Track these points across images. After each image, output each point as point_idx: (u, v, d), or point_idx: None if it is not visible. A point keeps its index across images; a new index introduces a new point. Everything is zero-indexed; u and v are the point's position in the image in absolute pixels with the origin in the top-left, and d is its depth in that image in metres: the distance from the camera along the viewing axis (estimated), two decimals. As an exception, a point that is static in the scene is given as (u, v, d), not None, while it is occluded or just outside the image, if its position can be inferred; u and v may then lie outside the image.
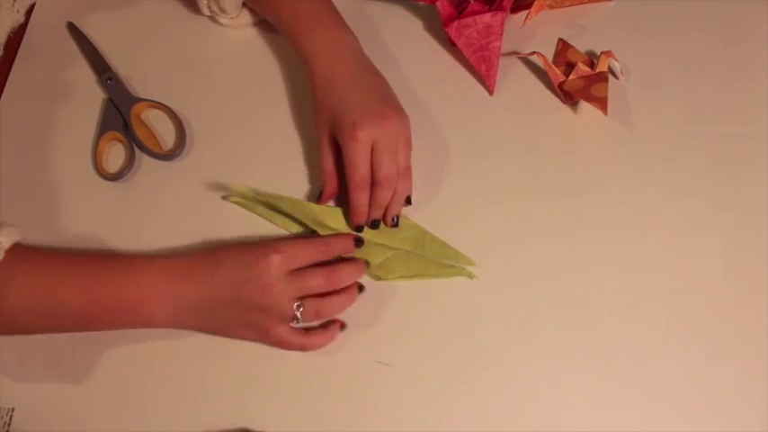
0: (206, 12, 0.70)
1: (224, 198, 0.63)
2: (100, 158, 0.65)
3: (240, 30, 0.71)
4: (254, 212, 0.62)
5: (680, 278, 0.59)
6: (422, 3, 0.70)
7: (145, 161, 0.66)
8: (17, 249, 0.54)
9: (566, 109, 0.66)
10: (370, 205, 0.60)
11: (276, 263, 0.54)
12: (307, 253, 0.56)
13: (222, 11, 0.69)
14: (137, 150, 0.66)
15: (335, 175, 0.61)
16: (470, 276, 0.59)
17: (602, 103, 0.63)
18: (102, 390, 0.57)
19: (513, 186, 0.63)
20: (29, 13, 0.73)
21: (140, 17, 0.73)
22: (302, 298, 0.55)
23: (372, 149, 0.58)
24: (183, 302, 0.55)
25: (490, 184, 0.63)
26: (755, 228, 0.60)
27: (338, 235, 0.60)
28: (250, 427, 0.55)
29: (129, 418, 0.56)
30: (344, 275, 0.58)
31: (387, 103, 0.60)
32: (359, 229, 0.60)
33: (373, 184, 0.59)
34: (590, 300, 0.58)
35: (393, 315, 0.58)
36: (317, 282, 0.56)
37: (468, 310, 0.58)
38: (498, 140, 0.65)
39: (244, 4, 0.69)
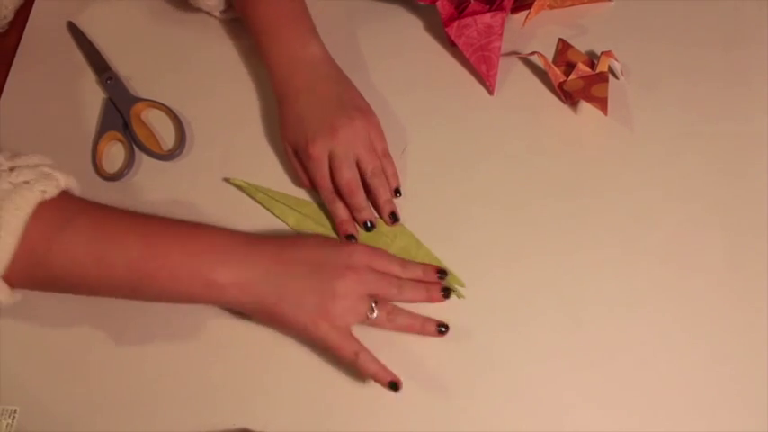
0: (197, 5, 0.70)
1: (225, 180, 0.64)
2: (100, 158, 0.65)
3: (241, 30, 0.71)
4: (254, 197, 0.63)
5: (680, 278, 0.59)
6: (422, 3, 0.70)
7: (145, 161, 0.66)
8: (74, 195, 0.52)
9: (566, 109, 0.66)
10: (352, 209, 0.61)
11: (360, 252, 0.55)
12: (387, 260, 0.57)
13: (207, 5, 0.69)
14: (137, 150, 0.66)
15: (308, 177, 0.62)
16: (459, 296, 0.59)
17: (602, 104, 0.63)
18: (102, 390, 0.57)
19: (513, 186, 0.63)
20: (24, 11, 0.73)
21: (140, 17, 0.73)
22: (377, 300, 0.55)
23: (330, 161, 0.60)
24: (254, 268, 0.52)
25: (490, 184, 0.63)
26: (755, 228, 0.60)
27: (424, 264, 0.59)
28: (250, 427, 0.55)
29: (130, 417, 0.56)
30: (415, 291, 0.57)
31: (340, 111, 0.60)
32: (352, 237, 0.60)
33: (339, 194, 0.60)
34: (590, 299, 0.58)
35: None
36: (390, 285, 0.55)
37: (468, 310, 0.58)
38: (498, 140, 0.65)
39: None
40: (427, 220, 0.62)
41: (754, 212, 0.61)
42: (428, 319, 0.57)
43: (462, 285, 0.59)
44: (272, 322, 0.55)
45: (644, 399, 0.55)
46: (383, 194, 0.61)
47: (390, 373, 0.54)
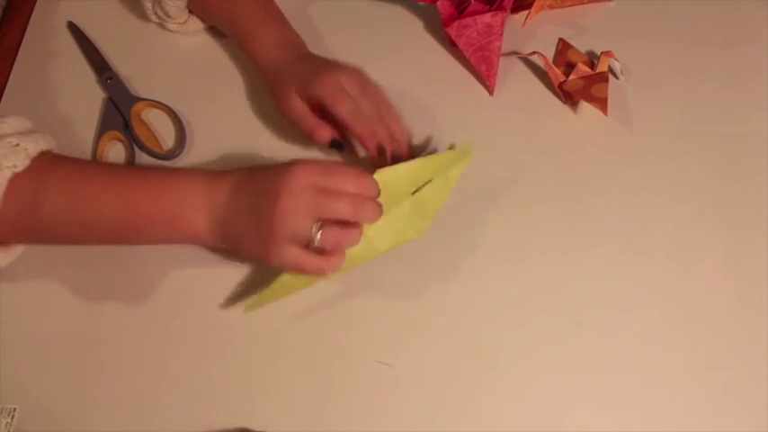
0: (153, 18, 0.70)
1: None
2: (100, 158, 0.65)
3: (194, 36, 0.71)
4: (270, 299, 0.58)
5: (680, 278, 0.59)
6: (422, 3, 0.70)
7: (145, 161, 0.66)
8: (48, 157, 0.53)
9: (566, 109, 0.67)
10: (374, 125, 0.59)
11: (302, 171, 0.51)
12: (341, 178, 0.52)
13: (168, 15, 0.68)
14: (137, 150, 0.66)
15: (323, 123, 0.61)
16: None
17: (602, 104, 0.63)
18: (102, 389, 0.57)
19: (513, 186, 0.63)
20: (26, 11, 0.73)
21: (140, 17, 0.73)
22: (321, 222, 0.51)
23: (345, 88, 0.59)
24: (217, 211, 0.53)
25: (490, 184, 0.63)
26: (755, 228, 0.60)
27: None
28: (250, 427, 0.55)
29: (130, 417, 0.56)
30: (370, 209, 0.53)
31: (335, 64, 0.62)
32: (382, 157, 0.59)
33: (363, 109, 0.59)
34: (590, 300, 0.58)
35: (393, 315, 0.58)
36: (342, 205, 0.51)
37: (469, 310, 0.58)
38: (498, 140, 0.65)
39: (191, 10, 0.69)
40: (427, 219, 0.62)
41: (754, 212, 0.61)
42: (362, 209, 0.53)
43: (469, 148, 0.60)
44: (246, 258, 0.58)
45: (644, 399, 0.55)
46: (397, 121, 0.61)
47: (333, 260, 0.52)
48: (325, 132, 0.61)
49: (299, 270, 0.53)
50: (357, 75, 0.61)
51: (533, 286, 0.59)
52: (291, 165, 0.52)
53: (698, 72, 0.67)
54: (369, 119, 0.59)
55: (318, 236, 0.51)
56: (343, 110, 0.59)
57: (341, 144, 0.61)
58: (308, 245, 0.51)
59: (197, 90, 0.69)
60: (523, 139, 0.65)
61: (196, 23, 0.71)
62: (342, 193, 0.52)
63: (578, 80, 0.65)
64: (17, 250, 0.57)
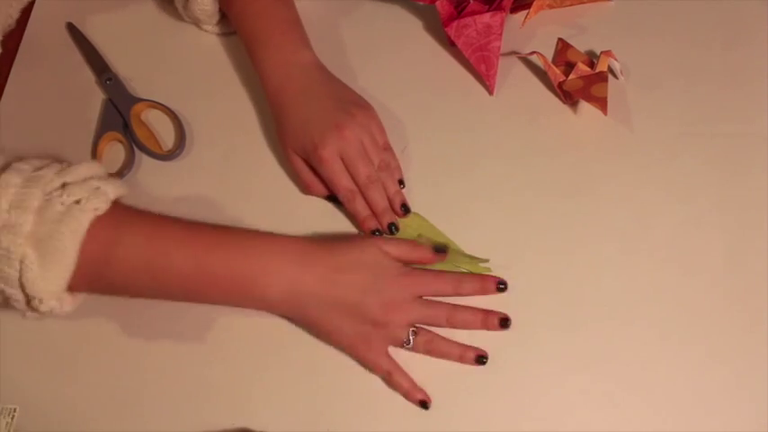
0: (187, 21, 0.70)
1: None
2: (100, 159, 0.65)
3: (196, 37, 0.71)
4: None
5: (680, 278, 0.59)
6: (422, 3, 0.70)
7: (145, 161, 0.66)
8: (122, 207, 0.53)
9: (566, 109, 0.66)
10: (373, 210, 0.60)
11: (407, 283, 0.55)
12: (438, 283, 0.57)
13: (198, 20, 0.69)
14: (137, 150, 0.66)
15: (318, 181, 0.62)
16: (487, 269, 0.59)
17: (601, 103, 0.63)
18: (102, 390, 0.57)
19: (513, 186, 0.63)
20: (25, 12, 0.73)
21: (140, 17, 0.73)
22: (418, 327, 0.56)
23: (343, 160, 0.59)
24: (303, 289, 0.54)
25: (490, 185, 0.63)
26: (755, 228, 0.60)
27: (478, 275, 0.59)
28: (250, 427, 0.55)
29: (129, 417, 0.56)
30: (467, 317, 0.56)
31: (341, 109, 0.61)
32: (377, 232, 0.60)
33: (360, 190, 0.60)
34: (590, 300, 0.58)
35: (393, 315, 0.58)
36: (439, 313, 0.56)
37: (468, 310, 0.58)
38: (498, 140, 0.65)
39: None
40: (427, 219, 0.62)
41: (754, 212, 0.61)
42: (467, 348, 0.56)
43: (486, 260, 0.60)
44: (317, 335, 0.57)
45: (644, 399, 0.55)
46: (391, 186, 0.61)
47: (421, 391, 0.55)
48: (321, 189, 0.62)
49: (373, 369, 0.56)
50: (359, 131, 0.60)
51: (533, 286, 0.59)
52: (396, 275, 0.55)
53: (698, 72, 0.67)
54: (367, 191, 0.60)
55: (412, 339, 0.55)
56: (339, 191, 0.60)
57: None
58: (401, 345, 0.55)
59: (197, 90, 0.69)
60: (523, 139, 0.65)
61: (226, 26, 0.70)
62: (439, 303, 0.57)
63: (578, 80, 0.65)
64: (81, 297, 0.54)
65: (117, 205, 0.52)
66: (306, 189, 0.63)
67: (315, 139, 0.59)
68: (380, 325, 0.54)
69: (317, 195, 0.63)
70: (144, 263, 0.52)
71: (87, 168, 0.52)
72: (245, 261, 0.54)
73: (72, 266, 0.49)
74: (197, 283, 0.53)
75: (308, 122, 0.60)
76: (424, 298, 0.57)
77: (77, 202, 0.49)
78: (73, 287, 0.51)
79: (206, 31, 0.71)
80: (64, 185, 0.50)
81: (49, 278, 0.49)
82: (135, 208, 0.54)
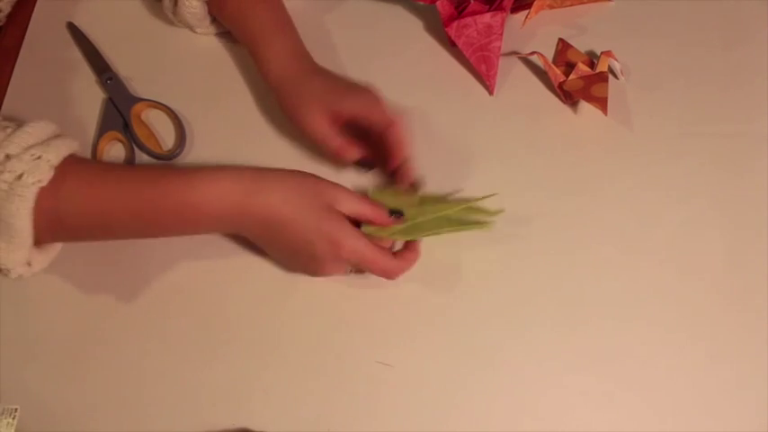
0: (179, 24, 0.70)
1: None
2: (100, 158, 0.65)
3: (197, 37, 0.71)
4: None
5: (680, 278, 0.59)
6: (422, 3, 0.70)
7: (145, 161, 0.66)
8: (69, 161, 0.53)
9: (566, 109, 0.67)
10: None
11: (348, 251, 0.54)
12: (368, 214, 0.56)
13: (187, 23, 0.69)
14: (137, 150, 0.66)
15: (350, 143, 0.60)
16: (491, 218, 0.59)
17: (602, 103, 0.63)
18: (102, 389, 0.57)
19: (513, 186, 0.63)
20: (25, 12, 0.73)
21: (140, 17, 0.73)
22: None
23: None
24: (251, 218, 0.54)
25: (490, 185, 0.63)
26: (755, 228, 0.60)
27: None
28: (250, 427, 0.55)
29: (130, 417, 0.56)
30: (399, 274, 0.57)
31: (352, 84, 0.63)
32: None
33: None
34: (590, 300, 0.58)
35: (393, 315, 0.58)
36: (376, 270, 0.56)
37: (468, 311, 0.58)
38: (498, 140, 0.65)
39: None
40: (427, 220, 0.62)
41: (754, 213, 0.61)
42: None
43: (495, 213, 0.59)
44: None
45: (643, 399, 0.55)
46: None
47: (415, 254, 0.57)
48: (354, 152, 0.60)
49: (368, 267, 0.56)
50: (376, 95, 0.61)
51: (533, 286, 0.59)
52: (337, 246, 0.54)
53: (698, 72, 0.67)
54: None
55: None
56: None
57: (371, 163, 0.60)
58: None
59: (197, 90, 0.69)
60: (523, 139, 0.65)
61: (219, 26, 0.71)
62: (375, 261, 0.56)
63: (578, 80, 0.65)
64: (55, 249, 0.58)
65: (61, 165, 0.52)
66: (338, 154, 0.61)
67: (349, 86, 0.61)
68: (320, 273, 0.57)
69: (350, 160, 0.61)
70: (91, 215, 0.54)
71: (30, 134, 0.52)
72: (194, 192, 0.53)
73: (29, 239, 0.52)
74: (147, 224, 0.55)
75: (335, 85, 0.61)
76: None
77: (19, 176, 0.50)
78: (38, 244, 0.54)
79: (200, 33, 0.71)
80: (7, 157, 0.50)
81: (9, 253, 0.52)
82: (80, 160, 0.55)
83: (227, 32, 0.70)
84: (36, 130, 0.53)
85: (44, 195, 0.51)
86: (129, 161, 0.65)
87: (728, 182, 0.62)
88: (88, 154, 0.66)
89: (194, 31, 0.71)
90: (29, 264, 0.55)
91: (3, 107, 0.68)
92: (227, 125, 0.67)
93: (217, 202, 0.53)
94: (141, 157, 0.66)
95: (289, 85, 0.62)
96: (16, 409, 0.56)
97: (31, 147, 0.52)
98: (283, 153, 0.65)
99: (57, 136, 0.54)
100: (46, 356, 0.58)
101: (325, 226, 0.53)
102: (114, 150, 0.67)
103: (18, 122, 0.53)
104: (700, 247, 0.60)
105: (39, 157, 0.51)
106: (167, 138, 0.67)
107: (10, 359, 0.58)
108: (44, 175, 0.51)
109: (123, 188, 0.54)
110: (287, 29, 0.65)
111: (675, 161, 0.63)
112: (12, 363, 0.58)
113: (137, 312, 0.59)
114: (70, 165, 0.53)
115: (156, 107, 0.68)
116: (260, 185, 0.54)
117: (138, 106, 0.67)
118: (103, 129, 0.67)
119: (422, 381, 0.56)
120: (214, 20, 0.70)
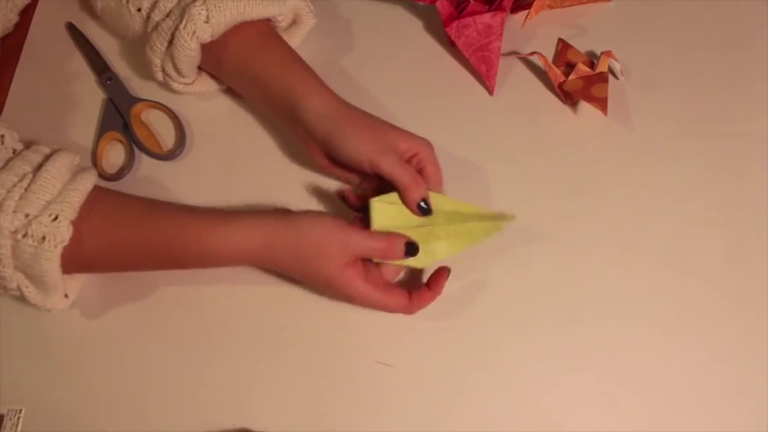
0: (159, 76, 0.64)
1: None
2: (100, 158, 0.65)
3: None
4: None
5: (680, 278, 0.59)
6: (422, 3, 0.70)
7: (145, 161, 0.66)
8: (90, 203, 0.54)
9: (566, 109, 0.67)
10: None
11: (356, 285, 0.55)
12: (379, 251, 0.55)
13: (179, 73, 0.63)
14: (137, 150, 0.66)
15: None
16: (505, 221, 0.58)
17: (602, 104, 0.63)
18: (104, 390, 0.57)
19: (513, 186, 0.63)
20: (22, 13, 0.73)
21: (140, 17, 0.73)
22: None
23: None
24: (269, 266, 0.57)
25: (490, 185, 0.63)
26: (755, 228, 0.60)
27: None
28: (250, 427, 0.55)
29: (131, 417, 0.56)
30: (415, 311, 0.57)
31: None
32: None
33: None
34: (590, 300, 0.58)
35: (393, 315, 0.58)
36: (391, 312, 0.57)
37: (469, 311, 0.58)
38: (498, 140, 0.65)
39: (202, 69, 0.65)
40: (427, 220, 0.62)
41: (754, 213, 0.61)
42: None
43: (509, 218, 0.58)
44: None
45: (643, 399, 0.55)
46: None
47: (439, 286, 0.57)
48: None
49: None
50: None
51: (533, 286, 0.59)
52: (344, 284, 0.54)
53: (698, 72, 0.67)
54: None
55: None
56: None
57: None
58: None
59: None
60: (523, 139, 0.65)
61: (206, 83, 0.66)
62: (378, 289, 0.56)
63: (578, 80, 0.65)
64: (80, 280, 0.60)
65: (82, 207, 0.53)
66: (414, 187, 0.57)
67: (398, 135, 0.58)
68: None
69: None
70: (111, 254, 0.56)
71: (45, 188, 0.53)
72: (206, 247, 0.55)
73: (61, 284, 0.55)
74: (164, 263, 0.57)
75: (376, 122, 0.58)
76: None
77: (42, 239, 0.52)
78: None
79: (173, 90, 0.65)
80: (26, 216, 0.52)
81: (47, 298, 0.56)
82: (102, 193, 0.56)
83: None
84: (52, 175, 0.53)
85: (67, 248, 0.53)
86: (129, 161, 0.65)
87: (728, 182, 0.62)
88: (88, 154, 0.66)
89: (169, 85, 0.65)
90: (66, 296, 0.58)
91: (6, 108, 0.69)
92: (227, 125, 0.67)
93: (239, 246, 0.55)
94: (141, 156, 0.66)
95: (348, 124, 0.57)
96: (20, 411, 0.57)
97: (48, 204, 0.52)
98: (283, 153, 0.65)
99: (73, 177, 0.54)
100: (48, 358, 0.58)
101: (331, 290, 0.56)
102: (114, 151, 0.67)
103: (31, 147, 0.56)
104: (700, 247, 0.60)
105: (56, 218, 0.52)
106: (167, 138, 0.67)
107: (13, 361, 0.58)
108: (65, 235, 0.52)
109: (144, 232, 0.55)
110: (305, 65, 0.61)
111: (675, 161, 0.63)
112: (15, 364, 0.58)
113: (137, 313, 0.59)
114: (90, 206, 0.54)
115: (155, 107, 0.68)
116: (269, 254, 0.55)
117: (137, 106, 0.67)
118: (103, 129, 0.67)
119: (422, 381, 0.56)
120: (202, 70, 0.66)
